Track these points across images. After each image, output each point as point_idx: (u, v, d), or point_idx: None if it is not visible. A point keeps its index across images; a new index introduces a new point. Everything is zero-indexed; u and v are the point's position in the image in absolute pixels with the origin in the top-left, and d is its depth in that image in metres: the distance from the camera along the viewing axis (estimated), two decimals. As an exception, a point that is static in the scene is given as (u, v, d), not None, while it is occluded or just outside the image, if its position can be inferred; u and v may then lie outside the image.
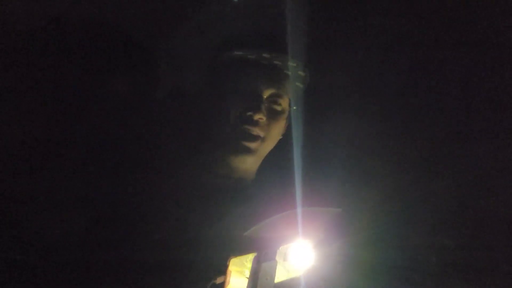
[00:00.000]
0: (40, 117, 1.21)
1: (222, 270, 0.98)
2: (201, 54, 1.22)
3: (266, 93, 1.13)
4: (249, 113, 1.10)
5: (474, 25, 1.23)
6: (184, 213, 1.07)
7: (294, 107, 1.18)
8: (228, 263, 0.99)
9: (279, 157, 1.20)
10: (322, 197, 1.15)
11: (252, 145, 1.12)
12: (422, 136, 1.25)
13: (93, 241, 1.04)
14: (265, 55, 1.12)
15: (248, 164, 1.16)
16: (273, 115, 1.14)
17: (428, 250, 1.15)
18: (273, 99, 1.14)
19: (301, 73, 1.16)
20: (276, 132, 1.16)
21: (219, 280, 0.97)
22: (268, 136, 1.14)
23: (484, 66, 1.24)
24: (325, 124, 1.29)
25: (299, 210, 1.08)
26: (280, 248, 1.02)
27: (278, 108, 1.15)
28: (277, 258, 1.01)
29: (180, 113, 1.24)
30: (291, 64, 1.13)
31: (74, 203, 1.12)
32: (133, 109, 1.23)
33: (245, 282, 0.97)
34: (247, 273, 0.98)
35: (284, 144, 1.20)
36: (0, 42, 1.21)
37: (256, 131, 1.12)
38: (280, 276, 1.02)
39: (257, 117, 1.10)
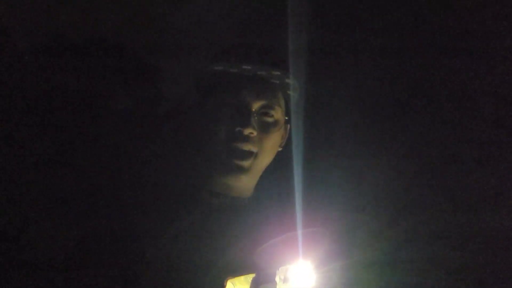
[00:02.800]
0: (41, 130, 1.21)
1: (219, 291, 0.95)
2: (188, 71, 1.22)
3: (255, 106, 1.08)
4: (238, 129, 1.06)
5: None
6: (180, 232, 1.04)
7: (286, 117, 1.14)
8: (225, 284, 0.96)
9: (276, 171, 1.17)
10: (322, 216, 1.13)
11: (245, 163, 1.07)
12: (425, 157, 1.24)
13: (85, 258, 1.02)
14: (245, 67, 1.08)
15: (243, 182, 1.12)
16: (264, 128, 1.09)
17: (429, 273, 1.12)
18: (264, 111, 1.10)
19: (288, 80, 1.12)
20: (270, 145, 1.11)
21: (216, 302, 0.95)
22: (261, 151, 1.09)
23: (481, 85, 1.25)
24: (326, 140, 1.28)
25: (299, 230, 1.06)
26: (279, 269, 1.00)
27: (270, 120, 1.10)
28: (277, 279, 0.98)
29: (176, 130, 1.23)
30: (275, 73, 1.09)
31: (69, 219, 1.10)
32: (131, 125, 1.23)
33: (243, 304, 0.95)
34: (245, 295, 0.95)
35: (281, 158, 1.17)
36: (3, 58, 1.21)
37: (248, 146, 1.07)
38: (279, 298, 0.99)
39: (247, 132, 1.06)
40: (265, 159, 1.12)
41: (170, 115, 1.27)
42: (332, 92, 1.30)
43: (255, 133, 1.07)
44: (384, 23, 1.26)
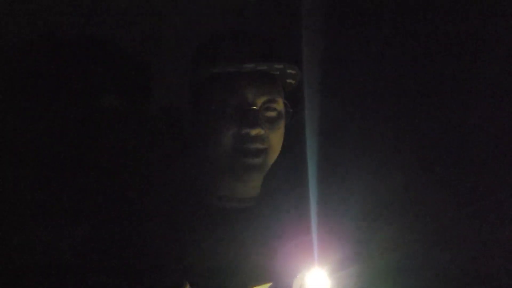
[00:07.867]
0: (38, 128, 1.19)
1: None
2: (182, 71, 1.18)
3: (258, 103, 1.03)
4: (246, 131, 1.01)
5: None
6: (190, 239, 1.02)
7: (291, 110, 1.08)
8: (243, 294, 0.94)
9: (285, 172, 1.15)
10: (337, 221, 1.11)
11: (257, 160, 1.03)
12: (445, 163, 1.22)
13: (88, 260, 1.00)
14: (246, 65, 1.01)
15: (254, 181, 1.09)
16: (270, 123, 1.04)
17: (446, 281, 1.11)
18: (267, 106, 1.04)
19: (290, 71, 1.06)
20: (277, 140, 1.07)
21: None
22: (270, 147, 1.05)
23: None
24: (342, 144, 1.26)
25: (314, 236, 1.04)
26: (297, 277, 0.98)
27: (274, 114, 1.05)
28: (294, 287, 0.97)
29: (177, 134, 1.20)
30: (276, 66, 1.04)
31: (73, 218, 1.08)
32: (130, 126, 1.20)
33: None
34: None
35: (292, 159, 1.14)
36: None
37: (256, 145, 1.02)
38: (296, 307, 0.97)
39: (254, 132, 1.01)
40: (275, 154, 1.08)
41: (164, 117, 1.24)
42: (349, 94, 1.28)
43: (262, 132, 1.03)
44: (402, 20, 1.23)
